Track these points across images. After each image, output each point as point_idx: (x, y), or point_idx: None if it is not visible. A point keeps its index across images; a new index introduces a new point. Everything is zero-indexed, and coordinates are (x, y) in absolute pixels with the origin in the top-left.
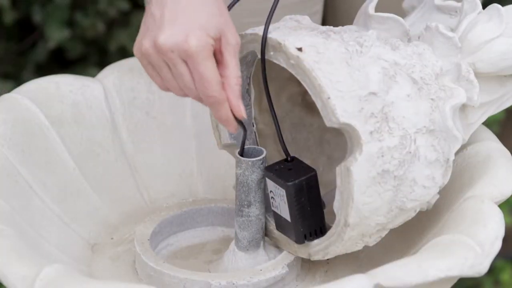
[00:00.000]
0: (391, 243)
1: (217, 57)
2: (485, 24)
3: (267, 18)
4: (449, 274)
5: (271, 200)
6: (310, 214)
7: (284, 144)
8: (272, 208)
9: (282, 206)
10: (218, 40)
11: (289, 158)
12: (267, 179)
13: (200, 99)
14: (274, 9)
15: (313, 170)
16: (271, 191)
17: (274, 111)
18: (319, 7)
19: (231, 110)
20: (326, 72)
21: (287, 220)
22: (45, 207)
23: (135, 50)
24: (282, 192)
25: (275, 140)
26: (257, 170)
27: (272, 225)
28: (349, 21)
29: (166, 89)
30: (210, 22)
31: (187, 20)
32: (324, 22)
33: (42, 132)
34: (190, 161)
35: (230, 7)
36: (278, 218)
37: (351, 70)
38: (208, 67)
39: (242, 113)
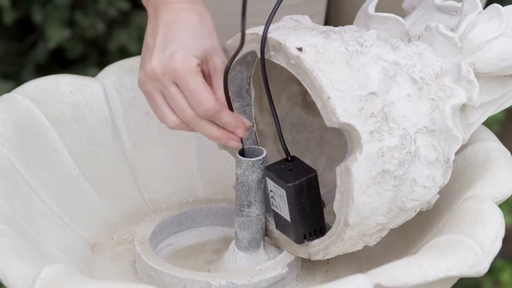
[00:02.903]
0: (391, 243)
1: (206, 81)
2: (485, 24)
3: (268, 18)
4: (449, 274)
5: (271, 200)
6: (310, 214)
7: (285, 144)
8: (272, 207)
9: (282, 206)
10: (205, 62)
11: (289, 158)
12: (267, 178)
13: (200, 126)
14: (276, 10)
15: (314, 170)
16: (271, 190)
17: (275, 110)
18: (322, 7)
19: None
20: (326, 72)
21: (286, 220)
22: (45, 207)
23: (138, 84)
24: (282, 192)
25: (275, 140)
26: (257, 170)
27: (272, 225)
28: (353, 22)
29: (164, 121)
30: (195, 43)
31: (175, 43)
32: (327, 23)
33: (42, 132)
34: (190, 161)
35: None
36: (278, 218)
37: (351, 70)
38: (197, 82)
39: (245, 121)
